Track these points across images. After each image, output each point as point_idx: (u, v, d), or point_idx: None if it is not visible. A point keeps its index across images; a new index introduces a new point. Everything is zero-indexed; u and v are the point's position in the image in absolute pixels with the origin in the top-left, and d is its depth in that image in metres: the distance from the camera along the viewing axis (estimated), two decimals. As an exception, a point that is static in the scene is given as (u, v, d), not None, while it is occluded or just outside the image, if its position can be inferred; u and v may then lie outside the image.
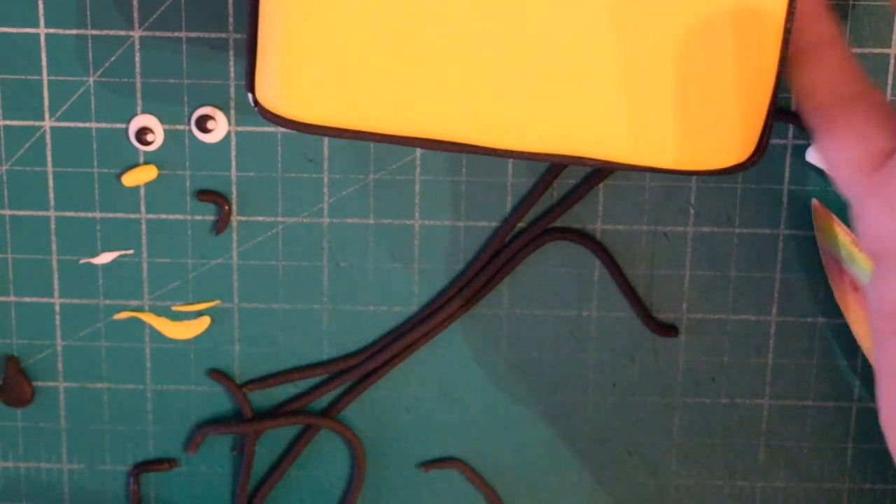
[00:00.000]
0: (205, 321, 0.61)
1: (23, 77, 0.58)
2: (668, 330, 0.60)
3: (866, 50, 0.57)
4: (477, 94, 0.48)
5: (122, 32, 0.57)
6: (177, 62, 0.58)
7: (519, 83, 0.48)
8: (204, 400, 0.62)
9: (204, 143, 0.59)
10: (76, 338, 0.61)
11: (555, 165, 0.58)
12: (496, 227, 0.60)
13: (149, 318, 0.61)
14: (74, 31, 0.57)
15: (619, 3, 0.47)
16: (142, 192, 0.59)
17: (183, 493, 0.63)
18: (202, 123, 0.58)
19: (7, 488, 0.63)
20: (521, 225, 0.60)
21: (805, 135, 0.58)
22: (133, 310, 0.61)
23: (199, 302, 0.61)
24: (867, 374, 0.61)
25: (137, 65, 0.58)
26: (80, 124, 0.58)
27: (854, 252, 0.57)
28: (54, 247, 0.60)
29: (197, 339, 0.61)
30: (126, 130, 0.58)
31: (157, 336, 0.61)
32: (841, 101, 0.48)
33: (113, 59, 0.58)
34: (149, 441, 0.62)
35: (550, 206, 0.59)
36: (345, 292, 0.60)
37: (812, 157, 0.57)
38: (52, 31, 0.57)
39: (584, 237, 0.59)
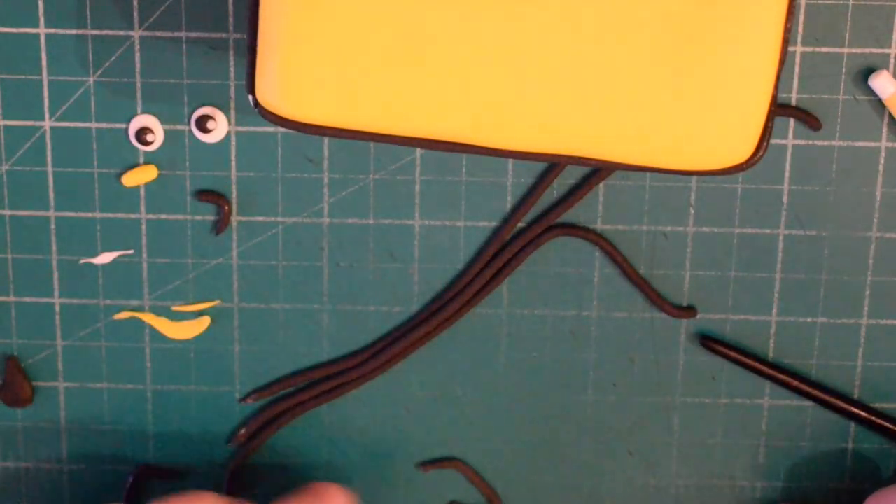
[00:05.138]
0: (205, 321, 0.61)
1: (23, 77, 0.58)
2: (686, 311, 0.60)
3: (866, 50, 0.57)
4: (477, 94, 0.48)
5: (122, 32, 0.57)
6: (177, 62, 0.58)
7: (519, 83, 0.48)
8: (204, 400, 0.62)
9: (204, 143, 0.59)
10: (76, 338, 0.61)
11: (555, 165, 0.58)
12: (496, 227, 0.60)
13: (149, 318, 0.61)
14: (74, 31, 0.57)
15: (618, 3, 0.47)
16: (142, 192, 0.59)
17: (183, 493, 0.63)
18: (202, 123, 0.58)
19: (7, 488, 0.63)
20: (520, 225, 0.60)
21: (805, 134, 0.58)
22: (133, 310, 0.61)
23: (199, 302, 0.61)
24: (867, 375, 0.61)
25: (137, 65, 0.58)
26: (80, 124, 0.58)
27: None
28: (54, 247, 0.60)
29: (197, 339, 0.61)
30: (126, 130, 0.58)
31: (157, 336, 0.61)
32: None
33: (113, 59, 0.58)
34: (149, 441, 0.62)
35: (550, 206, 0.59)
36: (345, 292, 0.60)
37: (874, 82, 0.56)
38: (52, 31, 0.57)
39: (587, 231, 0.59)
